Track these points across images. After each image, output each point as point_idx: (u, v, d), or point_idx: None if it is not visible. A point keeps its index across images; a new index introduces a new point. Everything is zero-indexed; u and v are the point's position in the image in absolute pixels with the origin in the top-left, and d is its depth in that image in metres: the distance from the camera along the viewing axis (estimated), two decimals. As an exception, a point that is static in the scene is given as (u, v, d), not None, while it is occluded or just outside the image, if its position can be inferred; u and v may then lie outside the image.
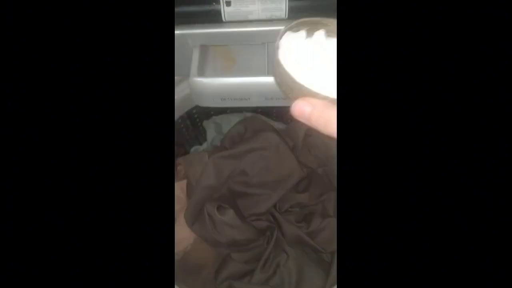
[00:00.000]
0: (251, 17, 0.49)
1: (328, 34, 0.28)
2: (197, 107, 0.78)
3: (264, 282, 0.58)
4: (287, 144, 0.68)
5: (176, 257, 0.64)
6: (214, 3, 0.48)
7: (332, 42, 0.27)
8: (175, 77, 0.66)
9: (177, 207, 0.68)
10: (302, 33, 0.29)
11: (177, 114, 0.71)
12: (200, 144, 0.97)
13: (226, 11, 0.48)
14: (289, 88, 0.26)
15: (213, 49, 0.55)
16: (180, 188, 0.71)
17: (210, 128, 0.85)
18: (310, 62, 0.26)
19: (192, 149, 0.93)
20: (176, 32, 0.50)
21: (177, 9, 0.48)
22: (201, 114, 0.89)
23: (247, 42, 0.52)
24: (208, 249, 0.65)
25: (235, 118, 0.86)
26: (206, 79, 0.50)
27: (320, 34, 0.28)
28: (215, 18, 0.50)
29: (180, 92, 0.67)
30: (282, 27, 0.29)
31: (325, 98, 0.24)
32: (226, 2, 0.48)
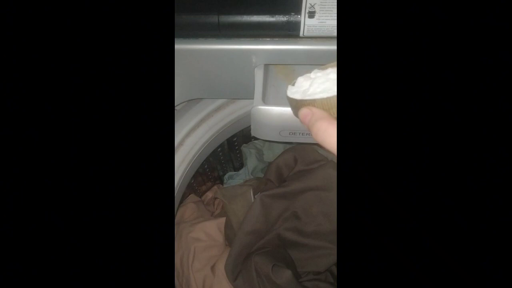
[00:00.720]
0: (335, 32, 0.38)
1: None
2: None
3: None
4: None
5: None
6: (292, 13, 0.38)
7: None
8: (225, 100, 0.56)
9: (213, 251, 0.57)
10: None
11: (219, 142, 0.60)
12: (234, 169, 0.86)
13: (307, 24, 0.38)
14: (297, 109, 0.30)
15: (282, 70, 0.45)
16: (217, 227, 0.60)
17: (251, 154, 0.74)
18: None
19: (226, 176, 0.82)
20: (238, 46, 0.40)
21: (240, 19, 0.38)
22: (240, 137, 0.78)
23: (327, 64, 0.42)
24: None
25: (279, 145, 0.75)
26: (272, 109, 0.39)
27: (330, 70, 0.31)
28: (288, 32, 0.39)
29: (227, 116, 0.56)
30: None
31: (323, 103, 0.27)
32: (309, 12, 0.37)
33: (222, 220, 0.61)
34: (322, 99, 0.28)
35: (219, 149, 0.77)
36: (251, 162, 0.73)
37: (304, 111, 0.28)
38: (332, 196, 0.56)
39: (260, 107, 0.39)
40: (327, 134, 0.25)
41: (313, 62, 0.42)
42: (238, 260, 0.53)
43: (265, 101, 0.41)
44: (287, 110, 0.39)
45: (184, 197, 0.71)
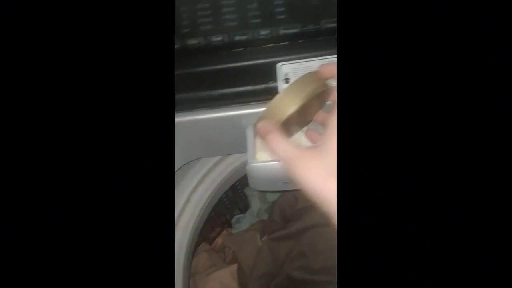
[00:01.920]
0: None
1: None
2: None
3: None
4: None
5: None
6: (270, 82, 0.44)
7: None
8: (222, 156, 0.61)
9: (228, 299, 0.59)
10: None
11: (223, 191, 0.64)
12: (241, 212, 0.90)
13: (284, 88, 0.44)
14: None
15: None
16: (231, 274, 0.63)
17: (254, 196, 0.78)
18: None
19: (234, 219, 0.86)
20: (231, 113, 0.46)
21: (228, 90, 0.44)
22: (243, 181, 0.82)
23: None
24: None
25: (280, 184, 0.79)
26: (264, 164, 0.44)
27: None
28: (270, 95, 0.45)
29: (226, 168, 0.61)
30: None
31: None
32: (285, 79, 0.43)
33: (234, 266, 0.63)
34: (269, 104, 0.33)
35: (223, 195, 0.81)
36: (255, 204, 0.77)
37: (256, 128, 0.33)
38: (331, 231, 0.59)
39: (253, 164, 0.44)
40: (276, 145, 0.30)
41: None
42: (253, 305, 0.55)
43: (257, 157, 0.46)
44: (278, 164, 0.44)
45: (195, 246, 0.74)
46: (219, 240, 0.81)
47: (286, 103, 0.33)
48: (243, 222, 0.81)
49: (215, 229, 0.85)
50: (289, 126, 0.37)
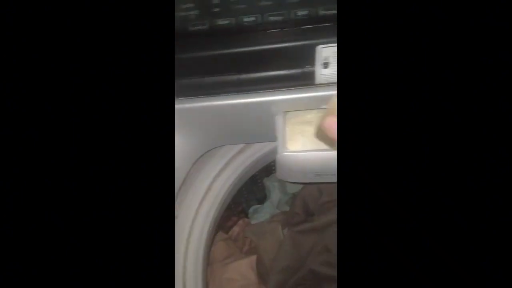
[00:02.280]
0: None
1: None
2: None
3: None
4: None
5: None
6: (307, 66, 0.40)
7: None
8: (248, 144, 0.58)
9: (248, 291, 0.58)
10: None
11: (243, 181, 0.62)
12: (258, 202, 0.88)
13: (321, 73, 0.41)
14: None
15: (299, 115, 0.47)
16: (250, 266, 0.61)
17: (274, 187, 0.76)
18: None
19: (251, 209, 0.84)
20: (261, 99, 0.43)
21: (259, 74, 0.41)
22: (261, 171, 0.80)
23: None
24: None
25: (301, 176, 0.76)
26: (297, 154, 0.41)
27: None
28: (303, 82, 0.42)
29: (249, 157, 0.58)
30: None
31: None
32: (324, 63, 0.40)
33: (254, 258, 0.62)
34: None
35: (242, 185, 0.79)
36: (275, 195, 0.75)
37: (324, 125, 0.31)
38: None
39: (284, 153, 0.41)
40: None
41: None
42: (274, 299, 0.53)
43: (288, 146, 0.43)
44: (311, 154, 0.41)
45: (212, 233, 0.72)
46: (235, 230, 0.80)
47: None
48: (261, 213, 0.79)
49: (232, 218, 0.83)
50: None
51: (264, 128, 0.47)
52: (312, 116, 0.48)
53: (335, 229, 0.57)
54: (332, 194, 0.63)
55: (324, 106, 0.45)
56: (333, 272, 0.55)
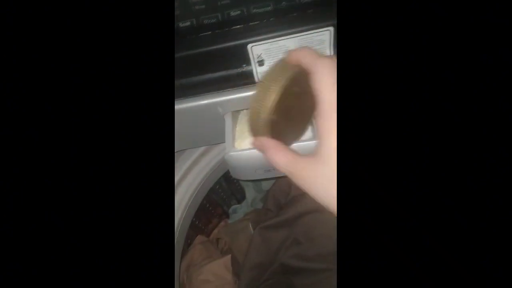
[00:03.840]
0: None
1: None
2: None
3: None
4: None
5: None
6: (244, 65, 0.41)
7: None
8: (208, 145, 0.59)
9: (223, 290, 0.59)
10: None
11: (213, 181, 0.63)
12: (238, 202, 0.88)
13: (259, 71, 0.41)
14: None
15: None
16: (224, 265, 0.62)
17: (248, 186, 0.77)
18: None
19: (231, 209, 0.85)
20: (206, 101, 0.44)
21: (203, 77, 0.42)
22: (236, 171, 0.81)
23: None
24: None
25: (274, 172, 0.77)
26: (243, 153, 0.42)
27: None
28: (245, 81, 0.43)
29: (215, 157, 0.59)
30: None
31: None
32: (258, 61, 0.41)
33: (228, 257, 0.63)
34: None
35: (217, 186, 0.80)
36: (250, 193, 0.75)
37: (254, 143, 0.32)
38: (328, 216, 0.57)
39: (231, 153, 0.42)
40: (277, 159, 0.30)
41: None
42: (246, 296, 0.54)
43: (236, 145, 0.44)
44: (256, 151, 0.42)
45: (191, 238, 0.73)
46: (216, 232, 0.80)
47: (264, 97, 0.29)
48: (239, 213, 0.80)
49: (212, 220, 0.84)
50: (281, 129, 0.33)
51: (220, 129, 0.48)
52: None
53: (304, 221, 0.58)
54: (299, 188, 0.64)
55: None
56: (303, 264, 0.56)
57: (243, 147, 0.43)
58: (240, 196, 0.88)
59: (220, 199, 0.84)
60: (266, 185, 0.77)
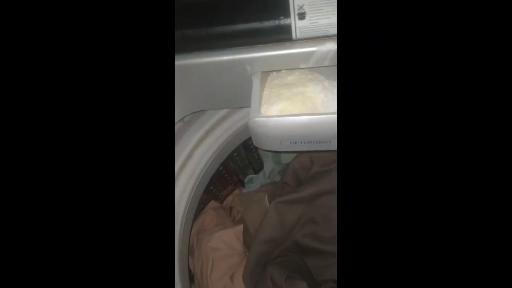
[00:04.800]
0: (332, 31, 0.35)
1: None
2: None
3: None
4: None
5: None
6: (282, 17, 0.35)
7: None
8: (231, 108, 0.55)
9: (232, 260, 0.57)
10: None
11: (232, 148, 0.59)
12: (255, 172, 0.85)
13: (298, 26, 0.35)
14: None
15: (280, 77, 0.43)
16: (235, 235, 0.60)
17: (267, 157, 0.73)
18: None
19: (247, 178, 0.82)
20: (233, 57, 0.38)
21: (232, 27, 0.37)
22: (256, 139, 0.77)
23: (325, 64, 0.39)
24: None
25: (296, 145, 0.72)
26: (270, 120, 0.37)
27: None
28: (280, 36, 0.37)
29: (237, 122, 0.55)
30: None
31: None
32: (299, 14, 0.34)
33: (240, 227, 0.60)
34: None
35: (235, 154, 0.76)
36: (268, 165, 0.72)
37: None
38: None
39: (256, 119, 0.38)
40: None
41: (311, 64, 0.39)
42: (255, 269, 0.52)
43: (262, 111, 0.39)
44: (286, 119, 0.37)
45: (204, 203, 0.71)
46: (230, 199, 0.78)
47: None
48: (256, 183, 0.77)
49: (227, 187, 0.82)
50: None
51: (245, 91, 0.43)
52: (294, 78, 0.43)
53: (323, 200, 0.54)
54: (323, 164, 0.59)
55: (304, 66, 0.40)
56: (317, 245, 0.53)
57: (270, 113, 0.38)
58: (257, 166, 0.85)
59: (237, 167, 0.81)
60: (286, 158, 0.73)
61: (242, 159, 0.81)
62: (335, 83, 0.41)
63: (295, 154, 0.68)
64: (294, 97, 0.39)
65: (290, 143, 0.39)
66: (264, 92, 0.42)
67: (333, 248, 0.52)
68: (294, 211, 0.55)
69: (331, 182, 0.55)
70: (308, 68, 0.41)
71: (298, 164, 0.64)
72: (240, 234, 0.60)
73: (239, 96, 0.45)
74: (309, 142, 0.39)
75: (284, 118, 0.37)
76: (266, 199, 0.58)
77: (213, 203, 0.72)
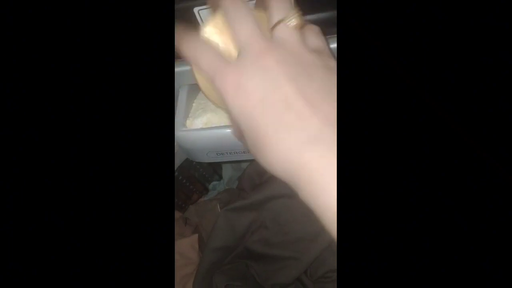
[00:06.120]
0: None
1: None
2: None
3: None
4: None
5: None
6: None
7: None
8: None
9: (187, 269, 0.57)
10: None
11: (181, 157, 0.59)
12: (221, 177, 0.85)
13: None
14: None
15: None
16: (191, 244, 0.60)
17: (227, 164, 0.73)
18: None
19: (210, 186, 0.82)
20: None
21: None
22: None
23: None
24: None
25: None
26: (192, 133, 0.38)
27: None
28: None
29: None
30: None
31: None
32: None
33: (195, 237, 0.61)
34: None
35: (194, 163, 0.76)
36: (227, 171, 0.72)
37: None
38: (296, 202, 0.53)
39: (179, 133, 0.38)
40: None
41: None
42: (206, 278, 0.52)
43: (187, 124, 0.39)
44: (207, 132, 0.38)
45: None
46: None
47: None
48: (219, 189, 0.78)
49: (191, 196, 0.82)
50: None
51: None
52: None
53: (272, 205, 0.54)
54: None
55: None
56: (267, 250, 0.53)
57: (195, 126, 0.39)
58: (222, 173, 0.85)
59: (199, 175, 0.81)
60: (245, 163, 0.73)
61: (204, 168, 0.81)
62: None
63: (251, 161, 0.69)
64: (219, 109, 0.40)
65: (217, 154, 0.40)
66: (193, 104, 0.42)
67: (281, 252, 0.53)
68: (244, 217, 0.55)
69: (279, 187, 0.55)
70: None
71: (253, 170, 0.64)
72: (196, 243, 0.60)
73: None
74: (234, 153, 0.39)
75: (205, 131, 0.38)
76: (218, 207, 0.58)
77: (175, 213, 0.72)
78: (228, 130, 0.37)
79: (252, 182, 0.64)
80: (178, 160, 0.60)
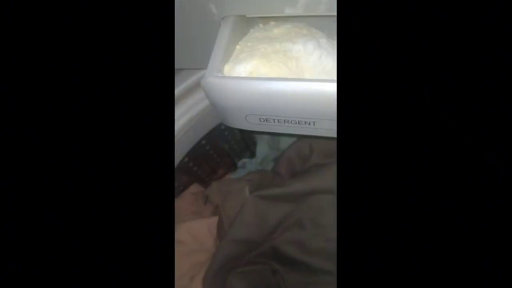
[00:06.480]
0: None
1: None
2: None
3: None
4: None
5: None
6: None
7: None
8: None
9: (199, 257, 0.47)
10: None
11: (216, 121, 0.48)
12: (253, 155, 0.74)
13: None
14: None
15: (265, 29, 0.31)
16: (208, 227, 0.50)
17: (262, 140, 0.61)
18: None
19: (240, 163, 0.71)
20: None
21: None
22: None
23: (321, 10, 0.26)
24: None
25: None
26: (226, 82, 0.26)
27: None
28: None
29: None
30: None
31: None
32: None
33: (215, 219, 0.50)
34: None
35: (226, 132, 0.66)
36: (261, 150, 0.60)
37: None
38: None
39: (208, 79, 0.26)
40: None
41: (300, 8, 0.27)
42: (219, 275, 0.42)
43: (225, 69, 0.27)
44: (250, 83, 0.26)
45: (185, 184, 0.62)
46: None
47: None
48: (249, 168, 0.67)
49: (217, 170, 0.72)
50: None
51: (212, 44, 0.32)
52: (281, 31, 0.31)
53: (314, 201, 0.42)
54: (325, 155, 0.47)
55: (288, 12, 0.27)
56: (301, 256, 0.42)
57: (234, 74, 0.27)
58: (256, 150, 0.74)
59: (229, 148, 0.71)
60: (285, 143, 0.61)
61: (236, 141, 0.70)
62: (335, 42, 0.28)
63: (295, 141, 0.56)
64: (273, 55, 0.27)
65: (260, 119, 0.28)
66: (237, 46, 0.30)
67: (319, 262, 0.41)
68: (277, 208, 0.44)
69: (327, 178, 0.43)
70: (304, 17, 0.29)
71: (295, 152, 0.52)
72: (214, 227, 0.50)
73: (201, 52, 0.34)
74: (285, 121, 0.27)
75: (249, 81, 0.25)
76: (247, 190, 0.47)
77: (195, 187, 0.62)
78: (281, 83, 0.24)
79: (292, 167, 0.52)
80: (208, 125, 0.49)
